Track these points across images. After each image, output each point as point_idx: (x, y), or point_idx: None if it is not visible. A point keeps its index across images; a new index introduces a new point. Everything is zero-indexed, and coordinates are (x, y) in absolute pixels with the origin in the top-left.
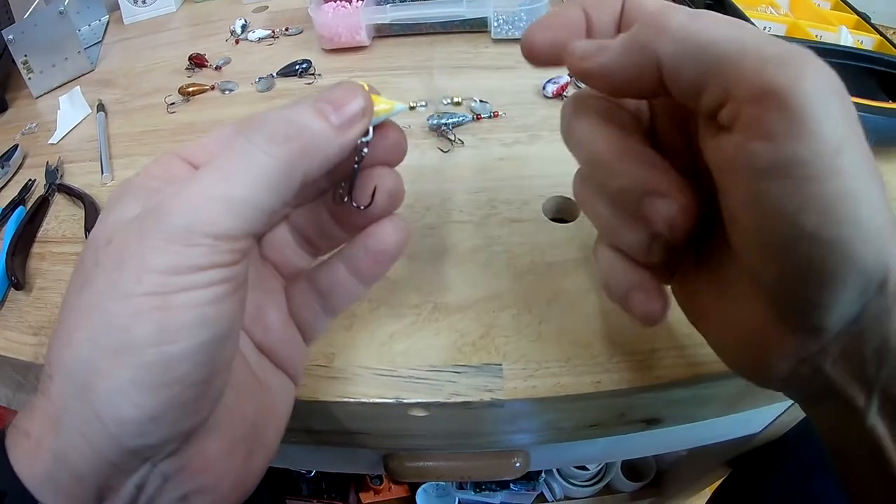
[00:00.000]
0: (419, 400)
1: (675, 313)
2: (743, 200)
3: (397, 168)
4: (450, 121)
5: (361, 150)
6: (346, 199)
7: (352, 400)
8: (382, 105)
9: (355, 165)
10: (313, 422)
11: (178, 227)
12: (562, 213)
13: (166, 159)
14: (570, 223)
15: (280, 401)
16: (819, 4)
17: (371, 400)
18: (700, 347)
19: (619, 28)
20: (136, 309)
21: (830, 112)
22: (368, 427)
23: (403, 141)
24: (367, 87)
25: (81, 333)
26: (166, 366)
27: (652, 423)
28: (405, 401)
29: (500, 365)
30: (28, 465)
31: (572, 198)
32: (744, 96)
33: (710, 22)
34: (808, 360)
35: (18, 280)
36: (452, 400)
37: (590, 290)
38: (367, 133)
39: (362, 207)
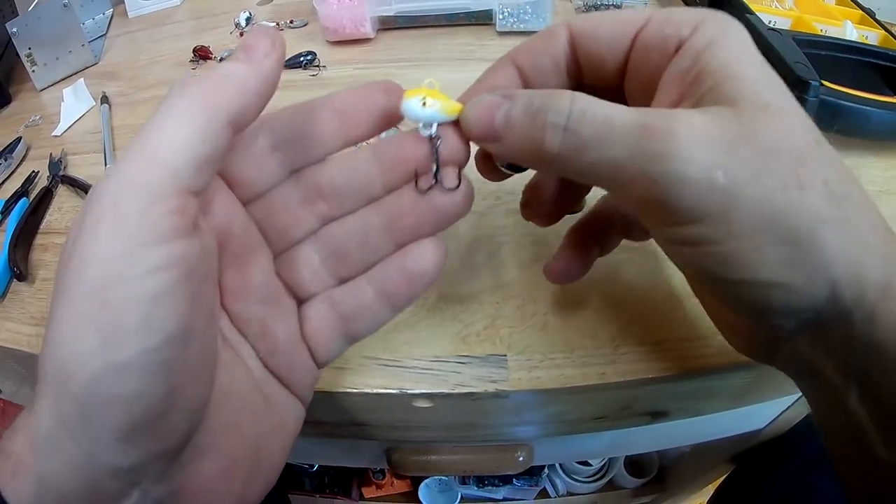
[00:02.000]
0: (423, 391)
1: (681, 307)
2: (674, 260)
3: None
4: None
5: (436, 142)
6: (435, 183)
7: (355, 390)
8: (453, 104)
9: (435, 155)
10: (317, 413)
11: (107, 204)
12: None
13: None
14: (576, 213)
15: (289, 418)
16: None
17: (375, 390)
18: (705, 340)
19: (570, 61)
20: (79, 315)
21: (704, 192)
22: (372, 418)
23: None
24: (436, 84)
25: (47, 350)
26: (112, 381)
27: (657, 416)
28: (409, 391)
29: (505, 356)
30: (14, 487)
31: None
32: (628, 206)
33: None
34: (784, 342)
35: (21, 271)
36: (457, 391)
37: (596, 282)
38: (431, 126)
39: (455, 188)
